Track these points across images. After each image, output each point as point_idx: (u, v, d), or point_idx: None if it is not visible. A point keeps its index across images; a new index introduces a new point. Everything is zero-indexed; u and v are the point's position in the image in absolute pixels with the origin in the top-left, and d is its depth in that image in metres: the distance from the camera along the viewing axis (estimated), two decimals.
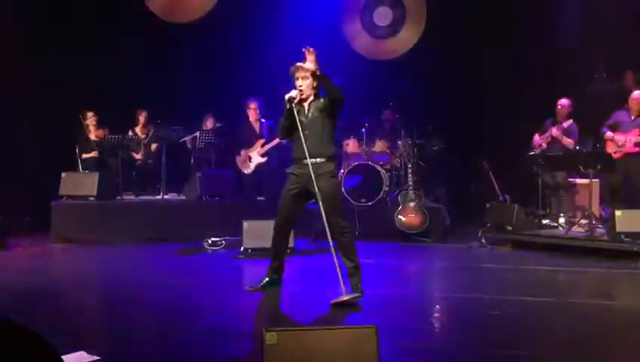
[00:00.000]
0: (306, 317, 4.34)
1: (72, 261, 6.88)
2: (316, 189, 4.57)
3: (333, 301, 4.47)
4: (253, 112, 8.44)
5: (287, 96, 4.73)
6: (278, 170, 6.32)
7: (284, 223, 4.97)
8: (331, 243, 4.56)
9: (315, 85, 4.77)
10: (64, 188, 8.07)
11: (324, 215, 4.54)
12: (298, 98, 4.75)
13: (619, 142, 7.27)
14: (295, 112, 4.70)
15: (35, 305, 4.81)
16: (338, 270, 4.48)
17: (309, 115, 4.78)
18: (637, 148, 7.21)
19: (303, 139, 4.65)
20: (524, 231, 7.27)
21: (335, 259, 4.49)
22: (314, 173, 4.59)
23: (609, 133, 7.37)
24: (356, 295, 4.56)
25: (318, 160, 4.67)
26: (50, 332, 2.10)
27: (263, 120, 8.49)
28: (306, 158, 4.61)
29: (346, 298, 4.46)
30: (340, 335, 2.72)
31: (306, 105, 4.81)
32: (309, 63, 4.70)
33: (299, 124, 4.65)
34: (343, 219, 4.73)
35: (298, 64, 4.73)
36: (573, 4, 8.64)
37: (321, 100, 4.78)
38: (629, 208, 6.69)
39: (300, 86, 4.74)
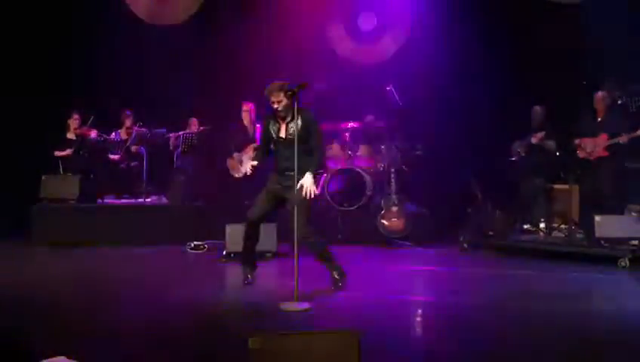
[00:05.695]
0: (290, 321, 4.34)
1: (52, 264, 6.80)
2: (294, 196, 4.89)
3: (283, 306, 4.55)
4: (246, 115, 8.27)
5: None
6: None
7: (261, 219, 5.22)
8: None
9: (289, 105, 4.94)
10: (45, 191, 7.99)
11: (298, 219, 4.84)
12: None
13: (587, 147, 7.24)
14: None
15: (14, 309, 4.74)
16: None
17: (287, 135, 4.99)
18: (607, 153, 7.14)
19: (280, 155, 4.98)
20: (505, 236, 7.35)
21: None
22: (292, 184, 4.89)
23: (577, 140, 7.36)
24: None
25: (292, 173, 4.89)
26: (30, 338, 2.09)
27: (257, 125, 8.40)
28: (286, 171, 4.96)
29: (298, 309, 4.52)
30: (323, 340, 2.72)
31: (284, 124, 5.03)
32: None
33: (277, 142, 4.95)
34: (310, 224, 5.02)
35: (272, 87, 4.94)
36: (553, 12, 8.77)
37: (299, 122, 4.91)
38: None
39: (277, 107, 4.95)
